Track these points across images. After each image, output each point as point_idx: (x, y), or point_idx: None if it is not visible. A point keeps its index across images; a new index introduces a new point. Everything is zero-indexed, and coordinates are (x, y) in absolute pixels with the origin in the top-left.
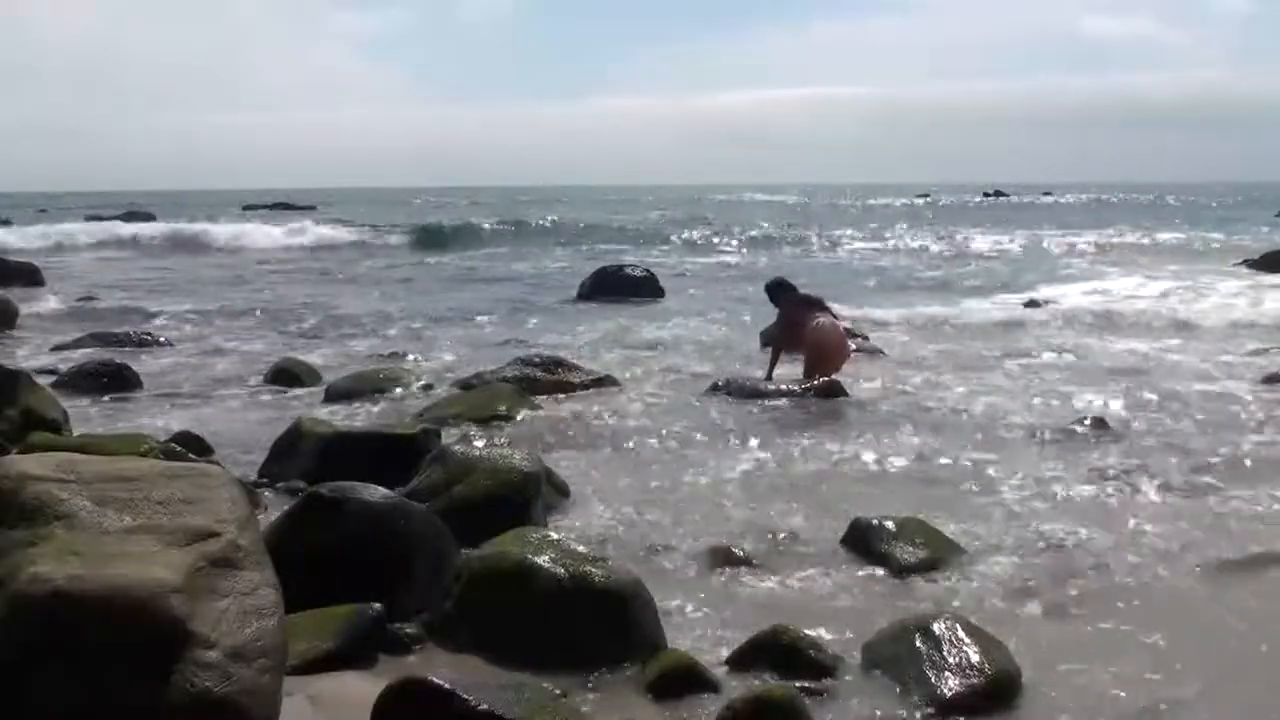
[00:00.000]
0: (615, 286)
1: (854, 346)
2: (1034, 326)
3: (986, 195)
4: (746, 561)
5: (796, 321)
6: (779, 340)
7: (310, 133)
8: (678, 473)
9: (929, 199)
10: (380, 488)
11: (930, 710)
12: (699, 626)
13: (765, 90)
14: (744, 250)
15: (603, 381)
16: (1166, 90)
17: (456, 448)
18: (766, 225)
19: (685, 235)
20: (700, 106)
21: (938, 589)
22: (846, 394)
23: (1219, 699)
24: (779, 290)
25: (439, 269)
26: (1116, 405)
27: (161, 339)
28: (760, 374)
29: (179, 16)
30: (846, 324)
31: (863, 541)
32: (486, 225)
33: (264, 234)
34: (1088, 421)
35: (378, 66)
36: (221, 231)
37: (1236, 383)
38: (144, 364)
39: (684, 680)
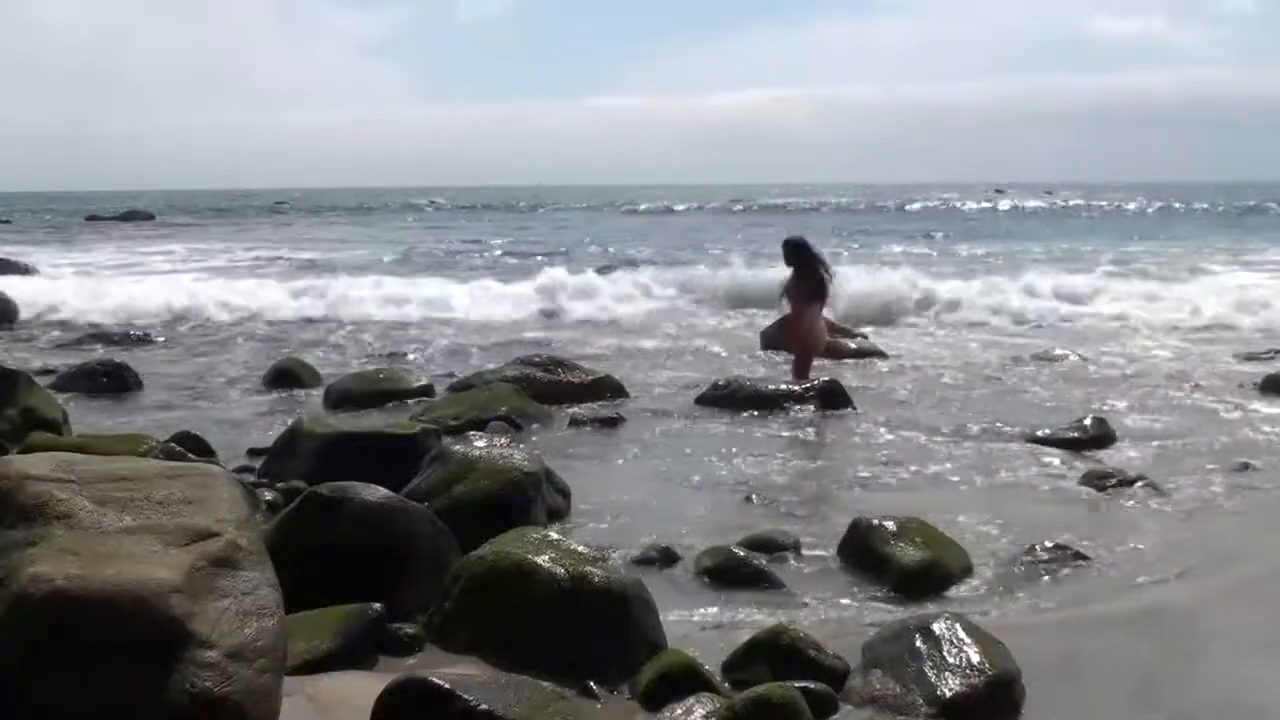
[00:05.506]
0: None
1: (852, 346)
2: (1035, 328)
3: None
4: (747, 562)
5: (794, 308)
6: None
7: (310, 133)
8: (679, 473)
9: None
10: (380, 488)
11: (930, 710)
12: (699, 627)
13: (765, 90)
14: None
15: (603, 381)
16: (1170, 88)
17: (456, 448)
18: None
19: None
20: (700, 106)
21: (938, 589)
22: (847, 395)
23: (1220, 703)
24: (796, 250)
25: None
26: (1119, 409)
27: (161, 338)
28: (761, 373)
29: (178, 17)
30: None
31: (863, 542)
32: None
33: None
34: (1088, 424)
35: (378, 66)
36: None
37: (1236, 388)
38: (144, 363)
39: (684, 681)
